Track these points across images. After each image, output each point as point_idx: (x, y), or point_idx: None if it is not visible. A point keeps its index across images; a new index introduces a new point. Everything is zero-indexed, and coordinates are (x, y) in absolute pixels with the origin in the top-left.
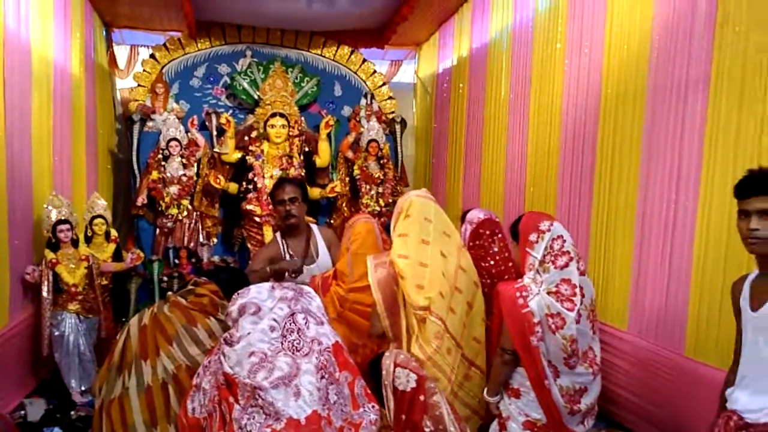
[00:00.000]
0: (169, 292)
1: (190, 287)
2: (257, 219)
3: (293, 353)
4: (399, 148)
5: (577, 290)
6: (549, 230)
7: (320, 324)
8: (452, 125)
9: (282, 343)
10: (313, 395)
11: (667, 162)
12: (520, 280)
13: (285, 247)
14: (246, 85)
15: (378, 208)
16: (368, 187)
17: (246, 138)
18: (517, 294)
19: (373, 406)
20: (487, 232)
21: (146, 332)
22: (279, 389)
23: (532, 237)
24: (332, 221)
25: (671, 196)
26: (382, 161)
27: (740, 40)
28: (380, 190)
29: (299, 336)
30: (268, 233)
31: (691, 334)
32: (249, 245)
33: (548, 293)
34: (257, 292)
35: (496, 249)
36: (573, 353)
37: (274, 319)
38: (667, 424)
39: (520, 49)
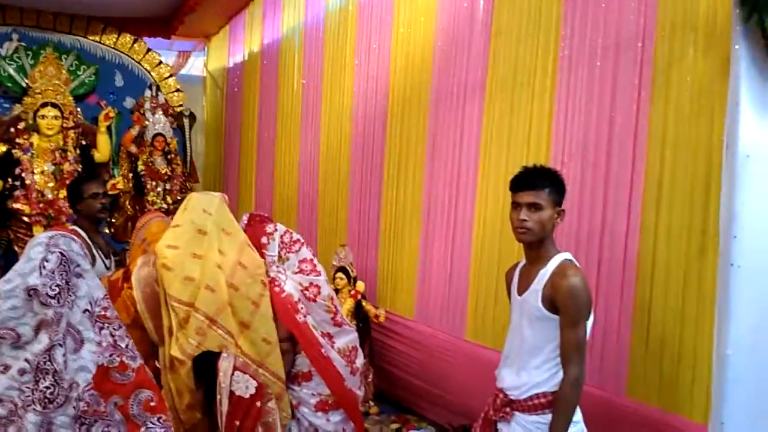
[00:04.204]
0: None
1: None
2: (26, 219)
3: (44, 407)
4: (188, 143)
5: (316, 261)
6: (276, 230)
7: (80, 345)
8: (244, 121)
9: (33, 392)
10: None
11: (449, 163)
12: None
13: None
14: (12, 72)
15: (165, 206)
16: (154, 183)
17: (12, 129)
18: (272, 285)
19: (159, 419)
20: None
21: None
22: None
23: (264, 240)
24: (114, 220)
25: (452, 195)
26: (169, 156)
27: (511, 51)
28: (168, 186)
29: (54, 381)
30: (38, 234)
31: (470, 319)
32: (16, 248)
33: (294, 274)
34: (11, 308)
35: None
36: (336, 310)
37: (27, 360)
38: (454, 405)
39: (312, 47)
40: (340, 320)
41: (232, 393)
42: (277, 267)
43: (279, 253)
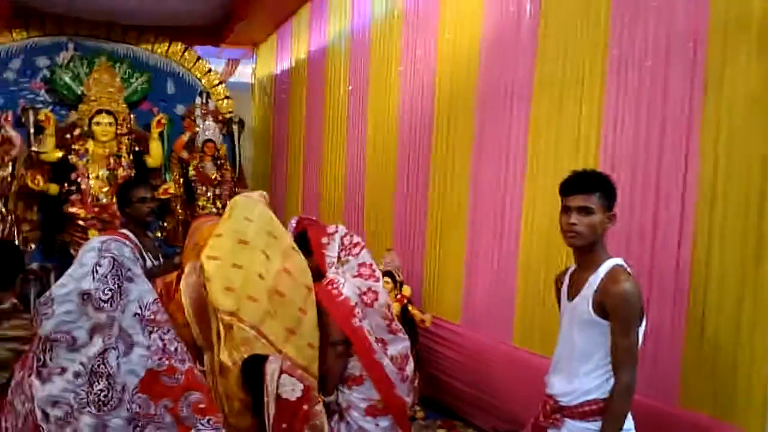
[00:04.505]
0: None
1: None
2: (81, 223)
3: (98, 409)
4: (237, 149)
5: (375, 266)
6: (337, 231)
7: (129, 348)
8: (291, 128)
9: (88, 395)
10: None
11: (495, 167)
12: (325, 278)
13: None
14: (68, 80)
15: (215, 210)
16: (204, 188)
17: (68, 136)
18: (330, 287)
19: (209, 420)
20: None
21: None
22: None
23: (324, 240)
24: (166, 224)
25: (499, 198)
26: (219, 162)
27: (559, 53)
28: (217, 191)
29: (108, 384)
30: (91, 238)
31: (518, 325)
32: (72, 251)
33: (353, 278)
34: (66, 312)
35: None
36: (392, 318)
37: (81, 363)
38: (500, 410)
39: (358, 53)
40: (396, 328)
41: (278, 396)
42: (336, 269)
43: (338, 254)
